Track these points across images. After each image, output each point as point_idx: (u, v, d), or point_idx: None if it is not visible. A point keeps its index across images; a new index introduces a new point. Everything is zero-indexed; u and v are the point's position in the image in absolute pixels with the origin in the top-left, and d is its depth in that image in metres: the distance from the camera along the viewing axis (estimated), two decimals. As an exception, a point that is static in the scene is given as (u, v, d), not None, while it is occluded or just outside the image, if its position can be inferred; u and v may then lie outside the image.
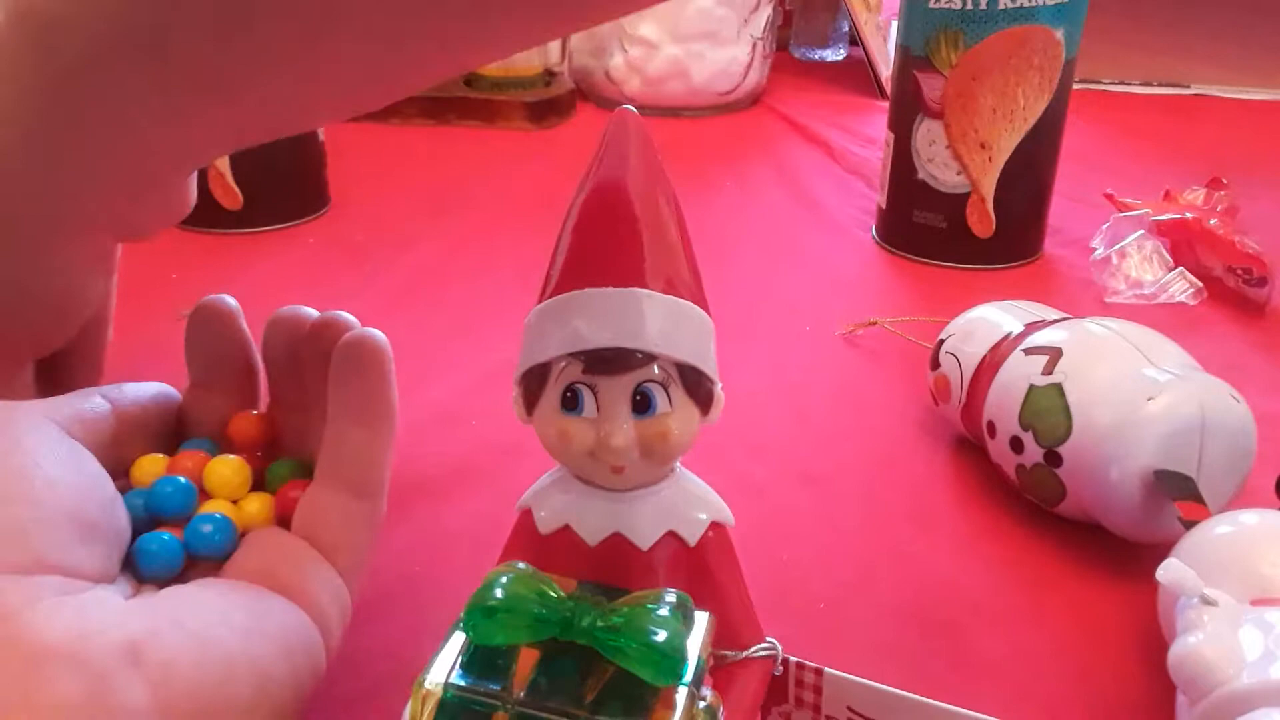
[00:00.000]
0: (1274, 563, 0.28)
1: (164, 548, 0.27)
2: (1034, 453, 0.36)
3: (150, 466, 0.30)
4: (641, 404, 0.22)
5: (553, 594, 0.21)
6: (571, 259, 0.23)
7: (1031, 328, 0.40)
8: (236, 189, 0.63)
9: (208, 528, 0.28)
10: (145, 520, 0.28)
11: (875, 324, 0.52)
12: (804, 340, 0.53)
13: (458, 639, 0.21)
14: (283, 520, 0.30)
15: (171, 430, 0.33)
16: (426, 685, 0.20)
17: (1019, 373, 0.38)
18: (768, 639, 0.24)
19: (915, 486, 0.41)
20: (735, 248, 0.64)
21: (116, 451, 0.30)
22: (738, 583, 0.24)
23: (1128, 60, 0.97)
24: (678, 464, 0.24)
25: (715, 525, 0.23)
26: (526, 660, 0.20)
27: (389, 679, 0.31)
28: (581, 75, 0.92)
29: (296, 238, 0.64)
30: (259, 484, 0.31)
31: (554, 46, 0.88)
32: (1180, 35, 0.95)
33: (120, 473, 0.30)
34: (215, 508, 0.29)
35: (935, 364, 0.43)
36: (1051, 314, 0.42)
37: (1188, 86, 0.97)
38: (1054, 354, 0.37)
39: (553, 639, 0.20)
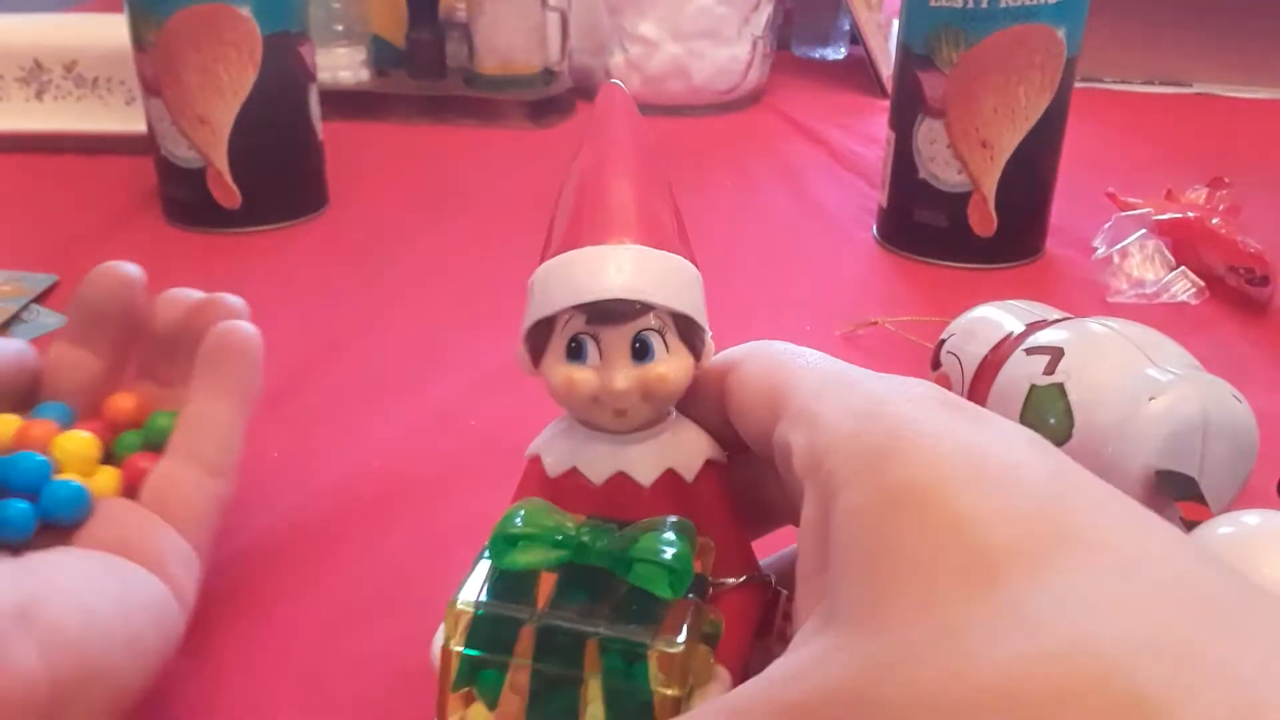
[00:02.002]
0: (1275, 564, 0.28)
1: (20, 515, 0.27)
2: (1035, 453, 0.36)
3: (1, 428, 0.30)
4: (641, 351, 0.23)
5: (568, 523, 0.23)
6: (572, 220, 0.24)
7: (1033, 327, 0.40)
8: (235, 188, 0.63)
9: (64, 494, 0.28)
10: None
11: (876, 324, 0.52)
12: (805, 340, 0.52)
13: (483, 566, 0.23)
14: (129, 491, 0.30)
15: (27, 388, 0.33)
16: (459, 605, 0.22)
17: (1020, 373, 0.37)
18: (762, 569, 0.25)
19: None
20: (735, 247, 0.63)
21: None
22: (733, 514, 0.25)
23: (1129, 59, 0.96)
24: (673, 409, 0.25)
25: (710, 462, 0.25)
26: (545, 584, 0.22)
27: (388, 680, 0.31)
28: (581, 74, 0.92)
29: (295, 237, 0.64)
30: (106, 455, 0.32)
31: (554, 45, 0.88)
32: (1182, 34, 0.94)
33: None
34: (67, 479, 0.29)
35: (936, 364, 0.43)
36: (1053, 314, 0.42)
37: (1190, 85, 0.96)
38: (1055, 354, 0.37)
39: (570, 563, 0.22)
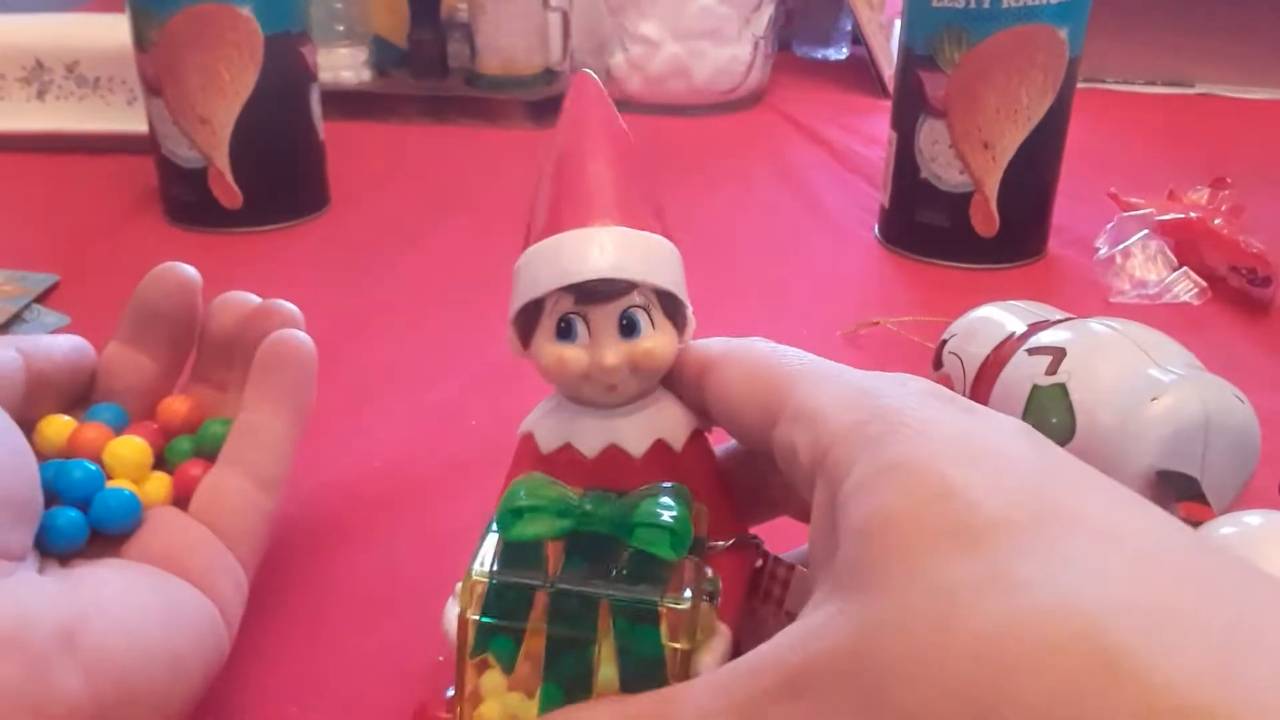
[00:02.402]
0: (1277, 564, 0.28)
1: (71, 524, 0.27)
2: (1037, 453, 0.36)
3: (56, 430, 0.30)
4: (628, 328, 0.24)
5: (570, 494, 0.23)
6: (552, 205, 0.25)
7: (1035, 328, 0.40)
8: (236, 188, 0.63)
9: (115, 503, 0.28)
10: (46, 494, 0.28)
11: (878, 324, 0.52)
12: (806, 340, 0.52)
13: (492, 539, 0.24)
14: (180, 497, 0.30)
15: (83, 387, 0.33)
16: (474, 575, 0.23)
17: (1022, 373, 0.37)
18: (753, 534, 0.26)
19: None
20: (736, 247, 0.63)
21: (26, 408, 0.29)
22: (720, 481, 0.26)
23: (1131, 59, 0.96)
24: (658, 384, 0.26)
25: (696, 432, 0.26)
26: (553, 553, 0.23)
27: (389, 680, 0.31)
28: (583, 74, 0.92)
29: (296, 237, 0.64)
30: (158, 459, 0.31)
31: (555, 45, 0.88)
32: (1184, 34, 0.94)
33: (26, 429, 0.30)
34: (118, 485, 0.29)
35: (938, 364, 0.43)
36: (1055, 314, 0.41)
37: (1192, 86, 0.96)
38: (1058, 354, 0.37)
39: (574, 532, 0.23)
